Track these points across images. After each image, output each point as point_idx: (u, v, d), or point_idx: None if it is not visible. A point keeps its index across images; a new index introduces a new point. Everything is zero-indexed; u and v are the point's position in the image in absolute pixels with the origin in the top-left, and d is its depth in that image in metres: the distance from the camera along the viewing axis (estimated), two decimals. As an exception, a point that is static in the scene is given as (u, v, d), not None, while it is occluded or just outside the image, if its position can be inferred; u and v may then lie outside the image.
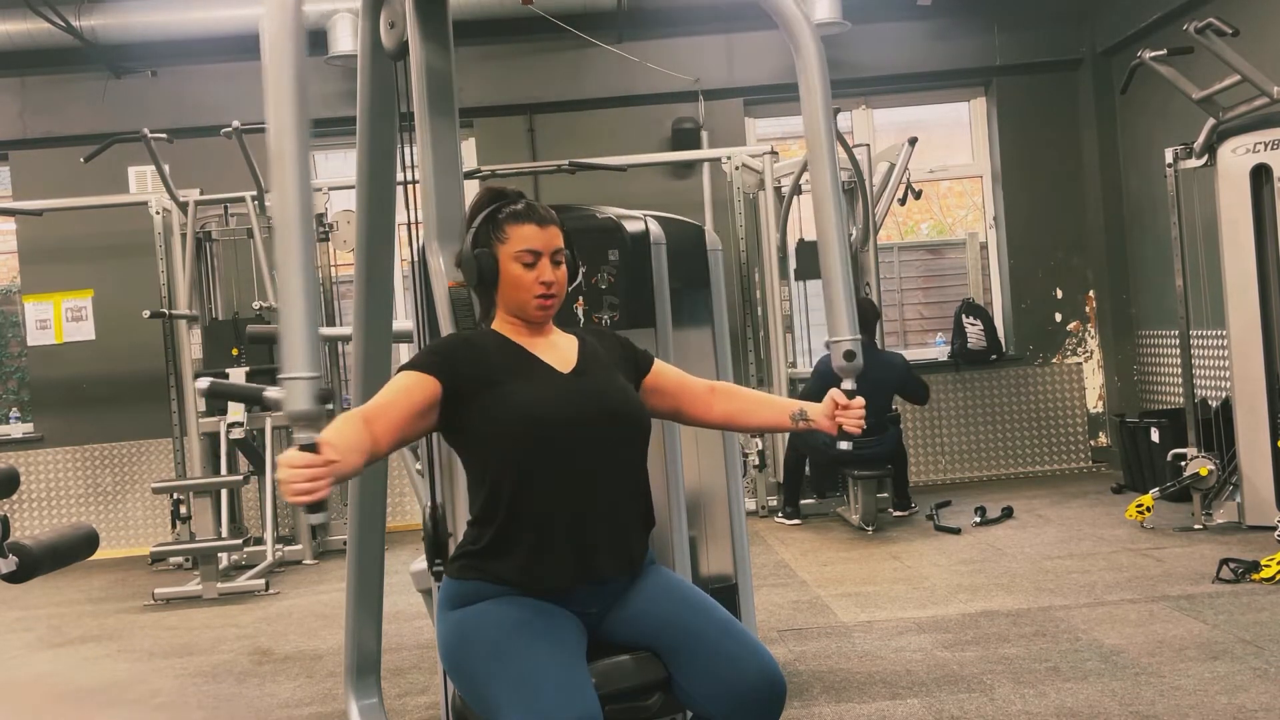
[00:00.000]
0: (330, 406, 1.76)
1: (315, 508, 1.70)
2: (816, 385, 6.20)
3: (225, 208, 6.99)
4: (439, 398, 2.01)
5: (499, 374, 2.06)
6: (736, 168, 7.10)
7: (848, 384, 2.18)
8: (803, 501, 6.72)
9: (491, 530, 2.03)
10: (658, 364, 2.29)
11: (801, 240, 7.09)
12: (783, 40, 2.29)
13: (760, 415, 2.28)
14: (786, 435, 6.51)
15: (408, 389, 1.98)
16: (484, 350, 2.11)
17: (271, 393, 1.84)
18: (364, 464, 1.87)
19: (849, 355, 2.18)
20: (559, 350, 2.17)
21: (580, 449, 2.04)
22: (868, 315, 6.25)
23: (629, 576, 2.11)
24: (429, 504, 2.33)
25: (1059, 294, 8.02)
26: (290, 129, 1.79)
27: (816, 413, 2.20)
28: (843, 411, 2.16)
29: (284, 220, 1.78)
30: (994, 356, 7.85)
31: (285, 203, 1.79)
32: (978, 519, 6.16)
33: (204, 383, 2.03)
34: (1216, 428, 5.71)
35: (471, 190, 6.98)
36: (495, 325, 2.19)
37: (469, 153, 7.70)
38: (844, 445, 2.22)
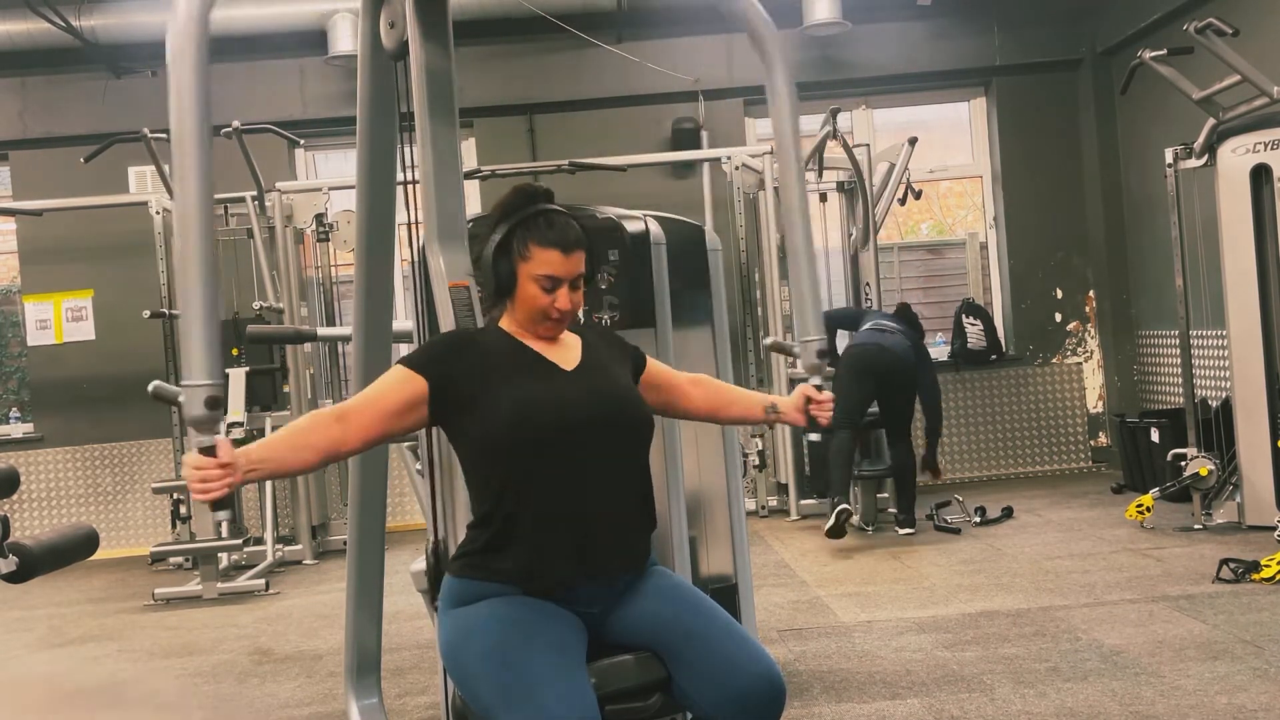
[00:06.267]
0: (225, 412, 1.85)
1: (219, 505, 1.83)
2: (852, 381, 5.70)
3: (225, 208, 6.99)
4: (423, 397, 2.02)
5: (502, 371, 2.06)
6: (736, 168, 7.10)
7: (816, 380, 2.34)
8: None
9: (493, 529, 2.03)
10: (649, 361, 2.31)
11: None
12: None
13: (735, 408, 2.38)
14: (806, 436, 6.28)
15: (392, 387, 2.02)
16: (487, 347, 2.11)
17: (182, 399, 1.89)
18: (319, 462, 1.97)
19: (823, 354, 2.38)
20: (563, 348, 2.17)
21: (583, 446, 2.04)
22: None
23: (631, 575, 2.11)
24: (431, 538, 2.36)
25: (1059, 294, 8.01)
26: (191, 131, 1.83)
27: (787, 405, 2.32)
28: (817, 406, 2.30)
29: (184, 227, 1.81)
30: (994, 356, 7.85)
31: (185, 207, 1.81)
32: (978, 519, 6.16)
33: (151, 385, 2.06)
34: (1216, 428, 5.71)
35: (471, 190, 6.99)
36: (502, 322, 2.18)
37: (469, 153, 7.69)
38: (814, 436, 2.41)
